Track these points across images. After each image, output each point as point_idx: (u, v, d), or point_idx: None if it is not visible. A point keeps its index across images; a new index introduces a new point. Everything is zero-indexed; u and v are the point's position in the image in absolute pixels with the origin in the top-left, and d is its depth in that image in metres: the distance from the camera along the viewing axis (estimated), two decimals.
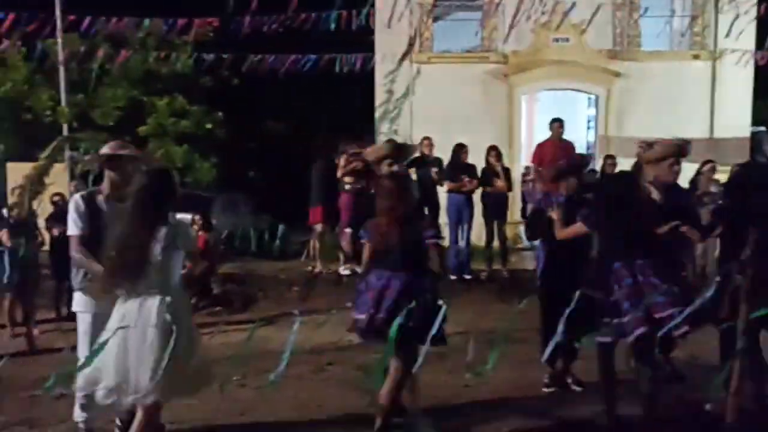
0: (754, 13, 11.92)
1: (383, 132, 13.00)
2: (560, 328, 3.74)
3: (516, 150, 13.04)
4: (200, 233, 8.35)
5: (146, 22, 11.71)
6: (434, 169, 8.92)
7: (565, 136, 10.96)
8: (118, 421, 4.29)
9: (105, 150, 4.24)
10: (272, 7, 10.86)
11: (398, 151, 5.18)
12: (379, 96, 13.15)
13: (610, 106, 12.84)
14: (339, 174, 8.60)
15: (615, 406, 4.51)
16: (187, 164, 13.42)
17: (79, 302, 4.19)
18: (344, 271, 8.93)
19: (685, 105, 12.41)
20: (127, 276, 3.64)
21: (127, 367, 3.56)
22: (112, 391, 3.61)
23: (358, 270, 8.93)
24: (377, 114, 13.19)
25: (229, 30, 11.03)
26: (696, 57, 12.60)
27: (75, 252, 4.09)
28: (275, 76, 12.21)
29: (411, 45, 12.87)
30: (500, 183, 9.33)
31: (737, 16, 11.65)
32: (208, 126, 13.77)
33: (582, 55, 12.71)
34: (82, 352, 4.01)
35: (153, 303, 3.61)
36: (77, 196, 4.21)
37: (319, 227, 9.39)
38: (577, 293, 3.81)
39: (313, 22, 11.17)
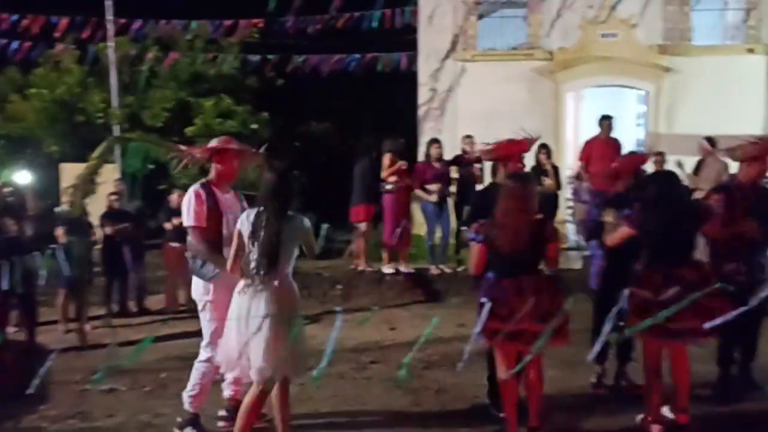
0: None
1: (426, 131, 12.94)
2: (606, 327, 3.67)
3: (562, 148, 12.82)
4: None
5: (194, 24, 11.92)
6: (477, 166, 8.83)
7: (613, 133, 10.75)
8: (223, 411, 4.50)
9: (214, 143, 4.46)
10: (315, 7, 10.95)
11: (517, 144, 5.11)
12: (422, 95, 13.08)
13: (660, 102, 12.49)
14: (384, 174, 8.60)
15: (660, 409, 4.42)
16: None
17: (201, 290, 4.38)
18: (387, 270, 8.92)
19: (738, 101, 11.99)
20: (261, 266, 3.87)
21: (263, 349, 3.83)
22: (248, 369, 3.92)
23: (402, 269, 8.99)
24: (420, 113, 13.13)
25: (273, 31, 11.15)
26: (750, 51, 12.15)
27: (197, 243, 4.31)
28: (319, 76, 12.30)
29: (455, 43, 12.79)
30: (549, 181, 9.19)
31: None
32: (254, 126, 13.93)
33: (630, 50, 12.40)
34: (228, 336, 4.07)
35: (279, 291, 3.91)
36: (197, 188, 4.36)
37: (362, 226, 9.40)
38: (626, 291, 3.73)
39: (356, 21, 11.21)
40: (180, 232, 8.35)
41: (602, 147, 9.06)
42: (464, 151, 8.95)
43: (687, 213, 4.53)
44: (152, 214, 9.14)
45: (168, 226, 8.21)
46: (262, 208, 3.96)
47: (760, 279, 4.19)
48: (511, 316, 3.96)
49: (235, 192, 4.53)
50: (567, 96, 13.16)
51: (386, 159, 8.67)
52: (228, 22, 11.61)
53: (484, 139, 9.66)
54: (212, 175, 4.44)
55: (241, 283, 3.97)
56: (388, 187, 8.69)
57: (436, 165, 8.62)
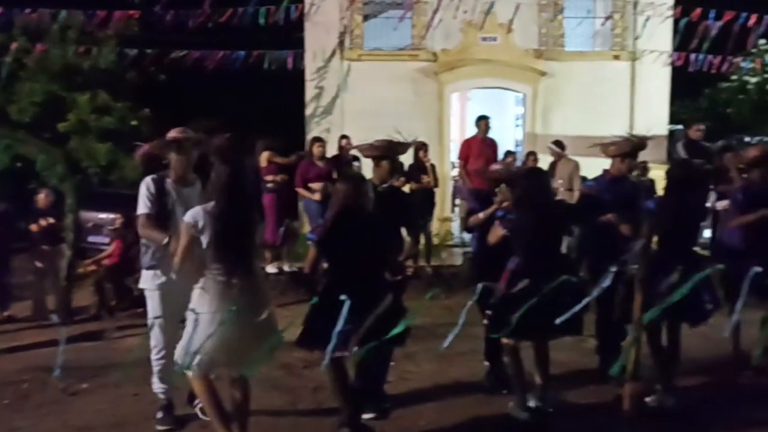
0: (669, 15, 12.42)
1: (313, 129, 12.93)
2: (461, 319, 3.82)
3: (446, 147, 13.19)
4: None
5: (62, 13, 11.25)
6: (356, 164, 8.93)
7: (496, 133, 11.17)
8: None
9: (172, 134, 4.46)
10: (198, 1, 10.68)
11: (392, 148, 5.18)
12: (309, 93, 13.07)
13: (536, 104, 13.12)
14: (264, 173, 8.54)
15: (525, 397, 4.65)
16: (111, 162, 13.01)
17: (147, 279, 4.42)
18: (271, 269, 8.85)
19: (606, 103, 12.80)
20: (237, 259, 3.83)
21: (240, 345, 3.84)
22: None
23: (285, 268, 8.95)
24: (307, 111, 13.11)
25: (152, 24, 10.76)
26: (616, 57, 13.00)
27: (142, 229, 4.32)
28: (205, 72, 11.98)
29: (341, 42, 12.85)
30: (427, 179, 9.43)
31: (647, 18, 12.18)
32: (134, 123, 13.37)
33: (509, 54, 12.95)
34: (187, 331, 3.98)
35: (257, 283, 3.97)
36: (148, 179, 4.42)
37: None
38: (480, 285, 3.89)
39: (241, 17, 11.01)
40: (48, 234, 7.95)
41: (479, 146, 9.42)
42: (341, 150, 9.04)
43: (555, 210, 4.76)
44: (19, 215, 8.59)
45: (34, 227, 7.76)
46: (218, 202, 3.87)
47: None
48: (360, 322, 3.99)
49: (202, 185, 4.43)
50: (451, 96, 13.57)
51: (263, 158, 8.61)
52: (102, 13, 11.06)
53: (371, 138, 9.88)
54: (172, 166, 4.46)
55: (202, 279, 3.89)
56: (268, 185, 8.63)
57: (319, 163, 8.64)
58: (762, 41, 14.88)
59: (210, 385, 4.01)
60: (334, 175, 8.52)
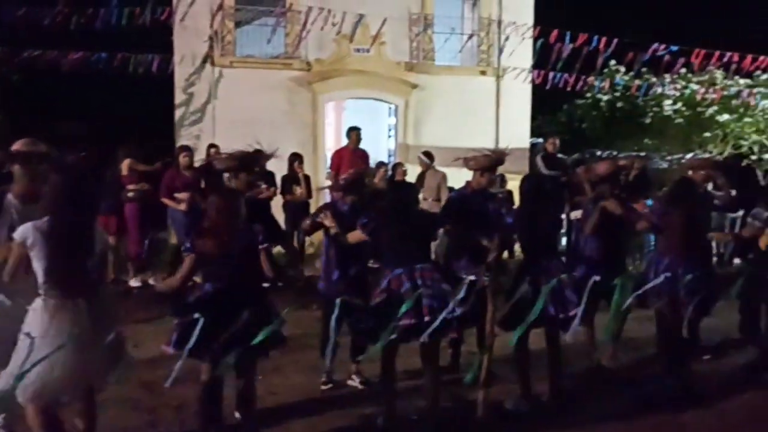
0: (530, 34, 13.20)
1: (183, 136, 12.54)
2: (332, 327, 3.84)
3: (320, 157, 13.23)
4: None
5: None
6: (227, 175, 8.74)
7: (371, 142, 11.35)
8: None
9: (17, 147, 4.08)
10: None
11: (247, 160, 5.05)
12: (178, 98, 12.66)
13: (408, 115, 13.48)
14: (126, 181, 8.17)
15: (395, 405, 4.74)
16: None
17: None
18: (134, 282, 8.47)
19: (474, 117, 13.39)
20: (73, 278, 3.62)
21: (81, 370, 3.64)
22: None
23: (151, 281, 8.60)
24: (176, 117, 12.70)
25: (4, 22, 10.00)
26: (483, 73, 13.64)
27: None
28: (69, 73, 11.28)
29: (211, 47, 12.55)
30: (301, 190, 9.41)
31: (507, 38, 12.88)
32: None
33: (382, 66, 13.22)
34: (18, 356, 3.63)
35: (99, 303, 3.73)
36: None
37: (111, 239, 8.81)
38: (338, 300, 3.93)
39: (103, 17, 10.48)
40: None
41: (351, 157, 9.52)
42: (208, 161, 8.84)
43: (419, 219, 4.88)
44: None
45: None
46: (50, 217, 3.61)
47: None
48: (223, 329, 3.95)
49: None
50: (326, 106, 13.64)
51: (124, 166, 8.25)
52: None
53: (243, 147, 9.73)
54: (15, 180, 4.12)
55: (37, 300, 3.62)
56: (129, 195, 8.27)
57: (186, 173, 8.38)
58: (612, 62, 16.11)
59: (47, 415, 3.75)
60: (203, 185, 8.31)
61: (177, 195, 8.35)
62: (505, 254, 7.14)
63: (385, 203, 4.83)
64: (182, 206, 8.15)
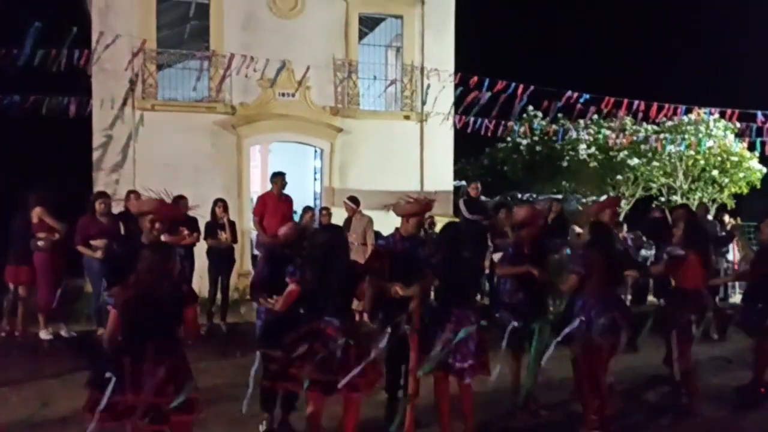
0: (451, 80, 13.61)
1: (101, 180, 12.15)
2: (253, 372, 3.73)
3: (245, 200, 13.09)
4: None
5: None
6: None
7: (296, 185, 11.29)
8: None
9: None
10: None
11: (164, 207, 4.89)
12: (97, 141, 12.30)
13: (333, 159, 13.54)
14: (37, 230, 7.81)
15: None
16: None
17: None
18: (45, 335, 8.04)
19: (399, 160, 13.58)
20: None
21: None
22: None
23: (63, 333, 8.19)
24: (94, 160, 12.31)
25: None
26: (407, 117, 13.90)
27: None
28: None
29: (132, 90, 12.29)
30: (225, 236, 9.25)
31: (428, 87, 13.26)
32: None
33: (307, 110, 13.29)
34: None
35: None
36: None
37: (20, 289, 8.38)
38: (258, 353, 3.85)
39: (14, 58, 10.11)
40: None
41: (275, 203, 9.45)
42: (127, 208, 8.59)
43: (345, 266, 4.84)
44: None
45: None
46: None
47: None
48: (137, 388, 3.82)
49: None
50: (251, 149, 13.55)
51: (35, 214, 7.91)
52: None
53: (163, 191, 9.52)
54: None
55: None
56: (39, 243, 7.91)
57: (102, 220, 8.10)
58: (530, 108, 16.80)
59: None
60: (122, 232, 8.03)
61: (93, 242, 8.04)
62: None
63: (313, 248, 4.78)
64: (98, 254, 7.85)
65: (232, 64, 11.48)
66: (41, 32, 9.08)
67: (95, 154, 12.29)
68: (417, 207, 5.43)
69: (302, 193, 13.22)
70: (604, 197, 14.87)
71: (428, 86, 13.18)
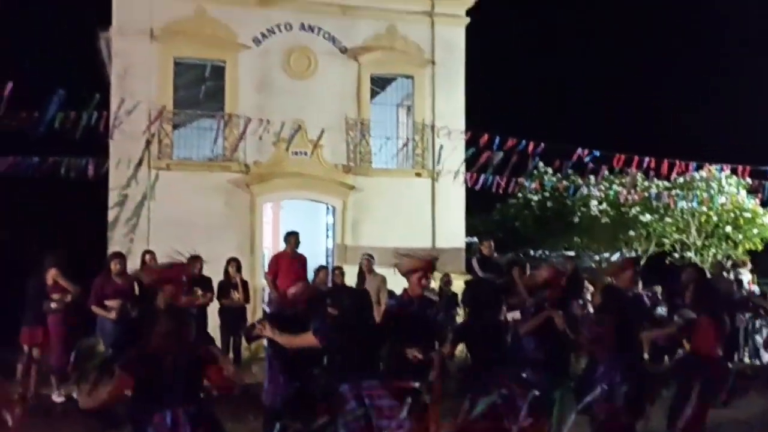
0: (462, 138, 13.77)
1: (116, 239, 12.25)
2: None
3: (258, 258, 13.12)
4: None
5: None
6: None
7: (308, 242, 11.31)
8: None
9: None
10: None
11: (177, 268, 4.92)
12: (112, 201, 12.45)
13: (346, 216, 13.61)
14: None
15: None
16: None
17: None
18: (58, 398, 7.97)
19: (411, 217, 13.64)
20: None
21: None
22: None
23: (75, 395, 8.10)
24: (109, 219, 12.43)
25: None
26: (418, 175, 14.01)
27: None
28: None
29: (148, 149, 12.50)
30: (238, 295, 9.25)
31: (441, 147, 13.39)
32: None
33: (319, 168, 13.43)
34: None
35: None
36: None
37: (35, 351, 8.38)
38: (278, 424, 3.80)
39: (35, 121, 10.37)
40: None
41: (288, 262, 9.47)
42: (144, 267, 8.63)
43: (372, 329, 4.80)
44: None
45: None
46: None
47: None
48: None
49: None
50: (264, 207, 13.66)
51: (49, 275, 7.96)
52: None
53: (180, 249, 9.59)
54: None
55: None
56: (53, 305, 7.93)
57: (117, 280, 8.14)
58: (540, 164, 16.90)
59: None
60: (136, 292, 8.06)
61: (107, 302, 8.06)
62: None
63: (341, 312, 4.75)
64: (112, 315, 7.85)
65: (247, 128, 11.68)
66: (63, 98, 9.32)
67: (111, 213, 12.42)
68: (417, 263, 5.29)
69: (314, 250, 13.25)
70: (617, 255, 14.82)
71: (441, 147, 13.35)
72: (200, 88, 15.39)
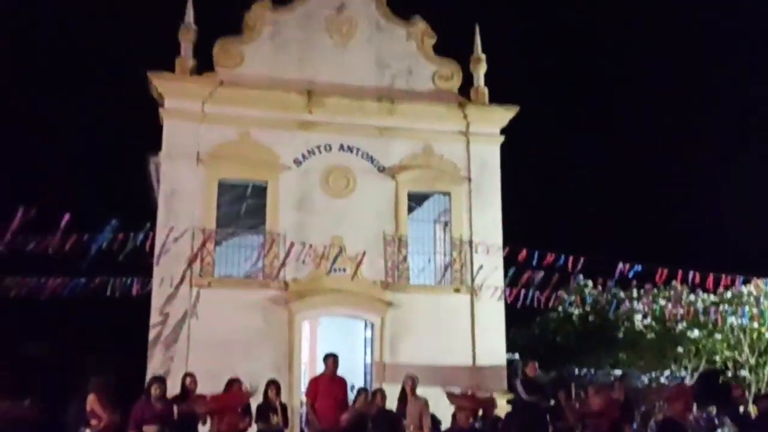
0: (500, 253, 13.75)
1: (157, 358, 12.26)
2: None
3: (296, 376, 12.96)
4: None
5: None
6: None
7: (346, 358, 11.10)
8: None
9: None
10: (40, 224, 10.33)
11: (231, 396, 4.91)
12: (154, 319, 12.55)
13: (384, 333, 13.45)
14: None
15: None
16: None
17: None
18: None
19: (449, 334, 13.43)
20: None
21: None
22: None
23: None
24: (150, 338, 12.49)
25: None
26: (457, 291, 13.89)
27: None
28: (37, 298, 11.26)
29: (190, 267, 12.70)
30: (276, 419, 9.07)
31: (481, 266, 13.33)
32: None
33: (358, 285, 13.44)
34: None
35: None
36: None
37: None
38: None
39: (85, 243, 10.71)
40: None
41: (328, 384, 9.29)
42: (187, 390, 8.59)
43: None
44: None
45: None
46: None
47: None
48: None
49: None
50: (301, 325, 13.60)
51: (89, 402, 7.94)
52: None
53: (217, 369, 9.54)
54: None
55: None
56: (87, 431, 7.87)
57: (157, 405, 8.07)
58: (580, 277, 16.68)
59: None
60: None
61: (146, 428, 7.96)
62: None
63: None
64: None
65: (289, 253, 11.88)
66: (115, 226, 9.68)
67: (152, 333, 12.49)
68: (472, 405, 5.40)
69: (352, 366, 13.05)
70: (666, 373, 14.26)
71: (480, 267, 13.36)
72: (241, 206, 15.82)
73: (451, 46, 14.97)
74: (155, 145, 13.32)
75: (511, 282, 13.80)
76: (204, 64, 13.71)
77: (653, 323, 15.96)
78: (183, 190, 13.01)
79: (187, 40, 13.69)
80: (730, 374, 16.08)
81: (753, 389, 15.28)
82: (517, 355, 14.61)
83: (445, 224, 14.79)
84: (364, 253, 12.78)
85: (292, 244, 12.14)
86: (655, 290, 15.99)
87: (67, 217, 9.34)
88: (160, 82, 13.22)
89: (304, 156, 13.79)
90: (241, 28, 14.18)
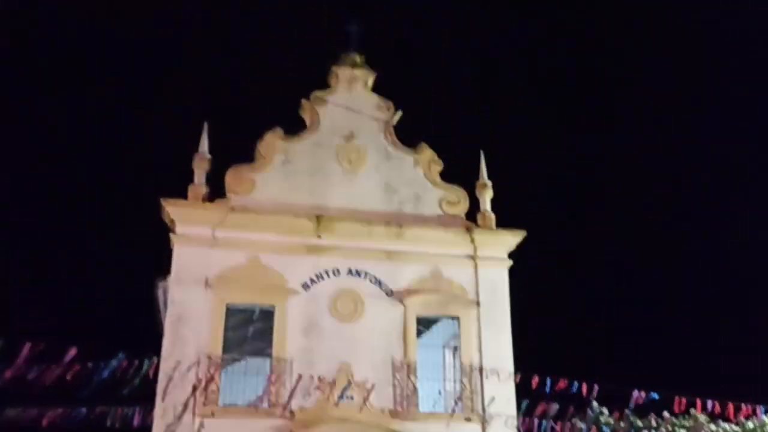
0: (512, 380, 13.38)
1: None
2: None
3: None
4: None
5: None
6: None
7: None
8: None
9: None
10: (45, 354, 10.24)
11: None
12: None
13: None
14: None
15: None
16: None
17: None
18: None
19: None
20: None
21: None
22: None
23: None
24: None
25: None
26: (468, 419, 13.40)
27: None
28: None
29: (194, 395, 12.36)
30: None
31: (491, 399, 13.01)
32: None
33: (365, 413, 13.01)
34: None
35: None
36: None
37: None
38: None
39: (89, 372, 10.55)
40: None
41: None
42: None
43: None
44: None
45: None
46: None
47: None
48: None
49: None
50: None
51: None
52: None
53: None
54: None
55: None
56: None
57: None
58: (595, 404, 16.10)
59: None
60: None
61: None
62: None
63: None
64: None
65: (298, 384, 11.65)
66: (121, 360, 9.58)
67: None
68: None
69: None
70: None
71: (492, 399, 12.97)
72: (248, 330, 15.63)
73: (457, 172, 15.36)
74: (164, 269, 13.39)
75: (523, 410, 13.35)
76: (216, 190, 14.05)
77: None
78: (190, 314, 12.93)
79: (200, 168, 14.11)
80: None
81: None
82: None
83: (455, 349, 14.52)
84: (372, 386, 12.46)
85: (300, 377, 11.89)
86: (674, 419, 15.37)
87: (74, 351, 9.26)
88: (172, 209, 13.48)
89: (312, 280, 13.79)
90: (253, 156, 14.64)
